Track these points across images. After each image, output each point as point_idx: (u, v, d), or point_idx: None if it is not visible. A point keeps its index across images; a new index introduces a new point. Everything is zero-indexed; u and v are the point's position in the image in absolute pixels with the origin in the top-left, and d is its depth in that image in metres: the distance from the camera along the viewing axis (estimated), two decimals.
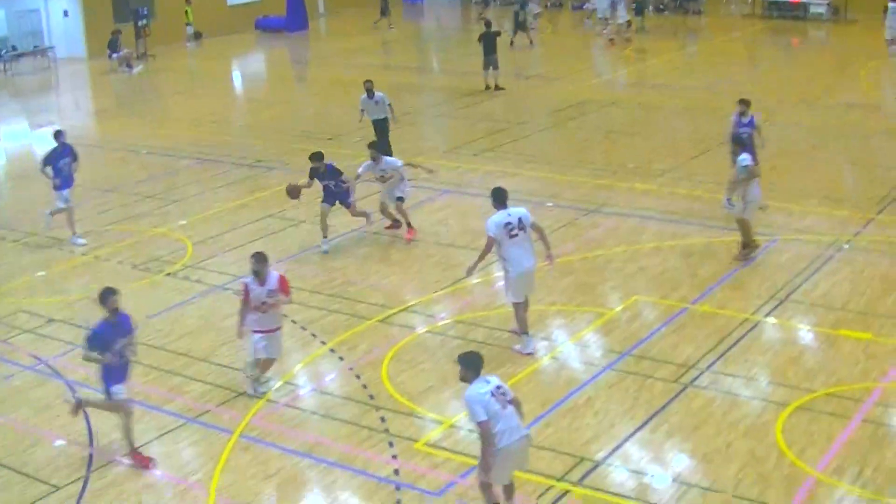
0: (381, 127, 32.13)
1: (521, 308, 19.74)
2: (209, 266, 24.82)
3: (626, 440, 16.73)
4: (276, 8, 65.28)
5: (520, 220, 19.24)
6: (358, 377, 19.17)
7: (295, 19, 64.20)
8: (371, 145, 25.84)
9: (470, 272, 20.00)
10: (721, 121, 36.62)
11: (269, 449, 16.91)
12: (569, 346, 20.27)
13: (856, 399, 17.80)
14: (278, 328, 18.44)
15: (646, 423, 17.22)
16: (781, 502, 14.98)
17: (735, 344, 19.91)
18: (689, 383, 18.45)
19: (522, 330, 19.82)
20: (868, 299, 21.76)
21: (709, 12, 64.11)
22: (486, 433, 13.68)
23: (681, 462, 15.97)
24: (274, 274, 18.15)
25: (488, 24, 45.49)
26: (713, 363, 19.17)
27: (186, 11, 61.63)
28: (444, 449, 16.69)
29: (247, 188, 31.12)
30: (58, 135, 26.50)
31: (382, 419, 17.66)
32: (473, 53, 47.45)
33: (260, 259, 17.98)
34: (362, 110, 32.49)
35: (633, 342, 20.10)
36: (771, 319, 20.93)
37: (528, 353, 19.68)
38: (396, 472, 16.16)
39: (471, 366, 14.17)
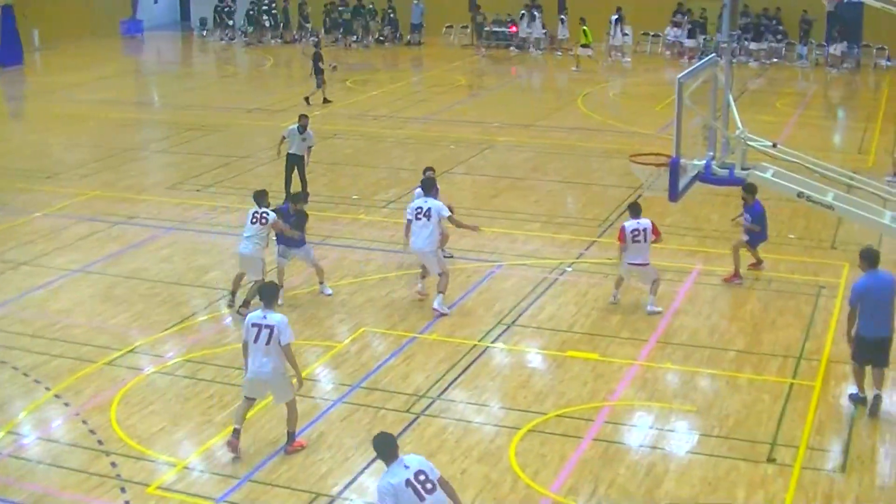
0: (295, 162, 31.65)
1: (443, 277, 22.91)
2: None
3: (361, 473, 16.75)
4: None
5: (429, 209, 22.57)
6: (85, 422, 18.67)
7: (9, 53, 62.27)
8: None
9: (406, 247, 23.20)
10: (441, 150, 37.23)
11: None
12: None
13: (586, 419, 18.29)
14: None
15: None
16: None
17: (465, 371, 20.18)
18: (421, 412, 18.60)
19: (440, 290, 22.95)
20: (593, 320, 22.34)
21: (429, 43, 64.66)
22: None
23: None
24: None
25: (317, 45, 50.94)
26: (444, 391, 19.39)
27: None
28: (178, 491, 16.41)
29: None
30: None
31: (113, 464, 17.24)
32: (195, 88, 47.51)
33: None
34: (284, 137, 31.81)
35: (364, 374, 20.19)
36: (499, 344, 21.27)
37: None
38: None
39: (381, 449, 13.27)
